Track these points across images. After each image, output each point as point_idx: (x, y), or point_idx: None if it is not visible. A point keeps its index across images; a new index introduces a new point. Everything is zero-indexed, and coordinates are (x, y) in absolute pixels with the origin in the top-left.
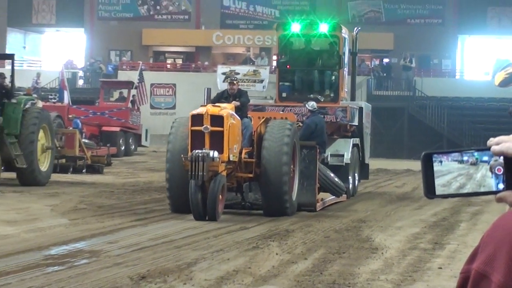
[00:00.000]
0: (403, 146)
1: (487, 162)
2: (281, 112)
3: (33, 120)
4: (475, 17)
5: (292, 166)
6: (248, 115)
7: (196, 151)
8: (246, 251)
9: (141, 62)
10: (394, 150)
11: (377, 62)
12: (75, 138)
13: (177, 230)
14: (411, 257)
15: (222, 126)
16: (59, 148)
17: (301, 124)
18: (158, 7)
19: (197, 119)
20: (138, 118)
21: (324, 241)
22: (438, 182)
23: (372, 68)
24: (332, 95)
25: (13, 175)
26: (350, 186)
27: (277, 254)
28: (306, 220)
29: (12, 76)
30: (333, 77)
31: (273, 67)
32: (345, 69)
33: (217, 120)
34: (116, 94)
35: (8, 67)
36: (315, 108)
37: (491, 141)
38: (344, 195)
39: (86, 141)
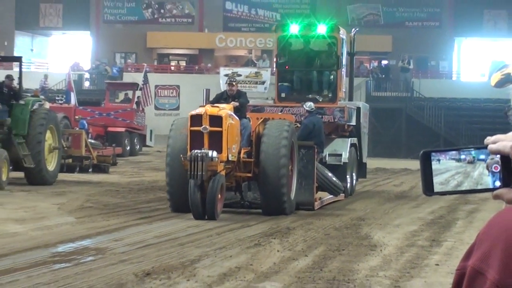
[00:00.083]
0: (401, 146)
1: (484, 160)
2: (280, 113)
3: (41, 121)
4: (472, 20)
5: (290, 166)
6: (247, 116)
7: (195, 151)
8: (248, 248)
9: (145, 64)
10: (392, 150)
11: (375, 64)
12: (81, 138)
13: (181, 228)
14: (409, 254)
15: (221, 126)
16: (66, 148)
17: (299, 125)
18: (162, 11)
19: (196, 119)
20: (142, 119)
21: (324, 238)
22: (436, 180)
23: (371, 70)
24: (330, 95)
25: (21, 174)
26: (348, 185)
27: (278, 251)
28: (306, 218)
29: (20, 78)
30: (331, 78)
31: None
32: (343, 69)
33: (216, 120)
34: (121, 96)
35: (16, 69)
36: (312, 109)
37: (488, 139)
38: (342, 194)
39: (92, 141)
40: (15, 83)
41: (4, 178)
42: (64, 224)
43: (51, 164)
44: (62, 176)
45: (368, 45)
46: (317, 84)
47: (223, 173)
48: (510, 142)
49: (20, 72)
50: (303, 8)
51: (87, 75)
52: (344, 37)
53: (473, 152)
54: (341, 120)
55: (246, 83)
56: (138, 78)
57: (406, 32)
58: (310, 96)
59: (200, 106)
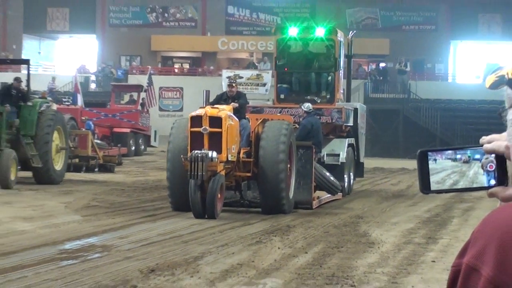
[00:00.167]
0: (398, 146)
1: (479, 160)
2: (278, 114)
3: (48, 122)
4: (467, 24)
5: (289, 165)
6: (246, 116)
7: (195, 151)
8: (250, 245)
9: (150, 67)
10: (390, 150)
11: (373, 66)
12: (87, 139)
13: (184, 226)
14: (406, 251)
15: (221, 127)
16: (72, 149)
17: (297, 126)
18: (166, 15)
19: (196, 120)
20: (147, 120)
21: (324, 236)
22: (433, 179)
23: (369, 72)
24: (328, 96)
25: (29, 174)
26: (346, 184)
27: (279, 248)
28: (306, 216)
29: (28, 80)
30: (329, 79)
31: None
32: (340, 71)
33: (216, 121)
34: (126, 97)
35: (24, 71)
36: (310, 109)
37: (484, 139)
38: (340, 193)
39: (98, 141)
40: (23, 85)
41: (12, 177)
42: (71, 222)
43: (58, 164)
44: (69, 175)
45: (366, 48)
46: (315, 86)
47: (222, 173)
48: (505, 142)
49: (28, 74)
50: (303, 12)
51: (93, 78)
52: (342, 39)
53: (468, 152)
54: (339, 120)
55: (248, 85)
56: (142, 80)
57: (403, 36)
58: (308, 97)
59: (200, 108)
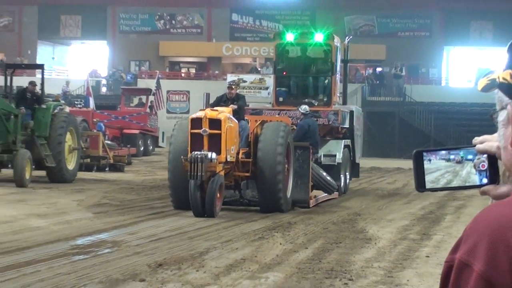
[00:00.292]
0: (394, 146)
1: (472, 160)
2: (277, 116)
3: (61, 123)
4: (459, 30)
5: (286, 165)
6: (246, 118)
7: (195, 152)
8: (253, 241)
9: (158, 71)
10: (386, 150)
11: (370, 71)
12: (99, 139)
13: (190, 222)
14: (401, 246)
15: (220, 129)
16: (84, 149)
17: (295, 127)
18: (173, 22)
19: (196, 122)
20: (155, 122)
21: (323, 232)
22: (427, 178)
23: (366, 77)
24: (325, 99)
25: (43, 173)
26: (342, 184)
27: (280, 244)
28: (306, 214)
29: (42, 84)
30: (326, 83)
31: None
32: (337, 75)
33: (215, 123)
34: (135, 100)
35: (38, 76)
36: (307, 111)
37: (476, 140)
38: (336, 193)
39: (109, 142)
40: (38, 88)
41: (27, 176)
42: (83, 219)
43: (71, 164)
44: (81, 174)
45: (363, 54)
46: (313, 89)
47: (222, 173)
48: (496, 142)
49: (42, 78)
50: (303, 19)
51: (104, 81)
52: (339, 45)
53: (461, 152)
54: (335, 122)
55: (251, 89)
56: (151, 84)
57: (399, 42)
58: (306, 100)
59: (200, 110)
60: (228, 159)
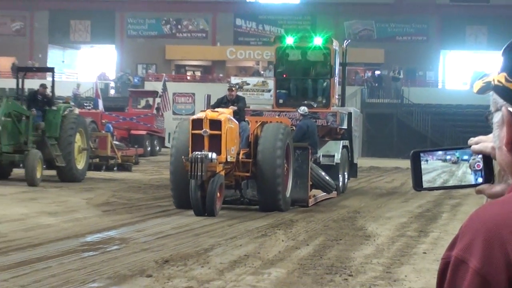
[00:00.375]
0: (392, 147)
1: (467, 160)
2: (277, 117)
3: (71, 124)
4: (455, 35)
5: (286, 166)
6: (246, 119)
7: (196, 153)
8: (256, 238)
9: (164, 74)
10: (384, 151)
11: (369, 74)
12: (107, 140)
13: (196, 220)
14: (399, 243)
15: (220, 130)
16: (93, 149)
17: (294, 128)
18: (179, 26)
19: (197, 123)
20: (162, 123)
21: (324, 229)
22: (424, 178)
23: (365, 79)
24: (324, 101)
25: (53, 172)
26: (340, 183)
27: (283, 241)
28: (308, 212)
29: (53, 86)
30: (325, 85)
31: None
32: (335, 78)
33: (216, 124)
34: (143, 102)
35: (49, 78)
36: (306, 113)
37: (471, 140)
38: (335, 192)
39: (117, 143)
40: (48, 91)
41: (38, 175)
42: (92, 216)
43: (80, 163)
44: (90, 174)
45: (362, 57)
46: (312, 91)
47: (222, 173)
48: (491, 143)
49: (53, 81)
50: (305, 24)
51: (112, 84)
52: (337, 48)
53: (457, 153)
54: (334, 123)
55: (254, 91)
56: (157, 86)
57: (397, 46)
58: (305, 102)
59: (201, 111)
60: (228, 159)
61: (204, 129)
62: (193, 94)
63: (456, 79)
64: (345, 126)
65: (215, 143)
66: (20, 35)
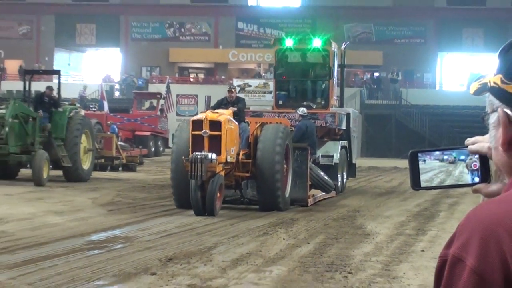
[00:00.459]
0: (391, 147)
1: (464, 160)
2: (276, 118)
3: (77, 126)
4: (452, 37)
5: (285, 166)
6: (246, 120)
7: (196, 153)
8: (258, 236)
9: (168, 76)
10: (383, 151)
11: (368, 75)
12: (112, 141)
13: (199, 219)
14: (398, 241)
15: (220, 131)
16: (98, 150)
17: (294, 129)
18: (182, 30)
19: (197, 124)
20: (165, 124)
21: (324, 228)
22: (422, 177)
23: (364, 81)
24: (323, 102)
25: (59, 172)
26: (339, 183)
27: (284, 239)
28: (308, 211)
29: (59, 88)
30: (324, 87)
31: None
32: (334, 79)
33: (215, 125)
34: (147, 104)
35: (55, 81)
36: (305, 113)
37: (468, 140)
38: (333, 192)
39: (122, 143)
40: (55, 93)
41: (45, 176)
42: (97, 215)
43: (86, 164)
44: (95, 174)
45: (362, 59)
46: (311, 93)
47: (222, 173)
48: (487, 143)
49: (59, 83)
50: (305, 27)
51: (117, 86)
52: (336, 50)
53: (454, 153)
54: (332, 124)
55: (256, 93)
56: (161, 88)
57: (395, 48)
58: (305, 103)
59: (201, 112)
60: (228, 160)
61: (204, 130)
62: (196, 95)
63: (453, 80)
64: (343, 127)
65: (215, 144)
66: (27, 38)
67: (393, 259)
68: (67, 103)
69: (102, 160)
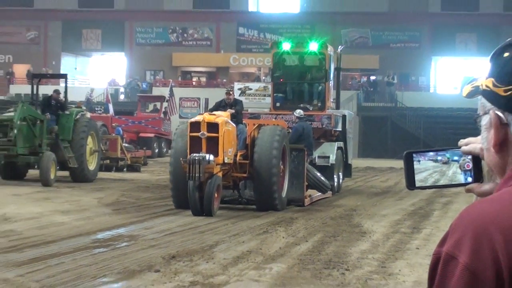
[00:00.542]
0: (387, 148)
1: (457, 161)
2: (273, 119)
3: (83, 128)
4: (446, 42)
5: (282, 167)
6: (244, 122)
7: (193, 154)
8: (258, 235)
9: (171, 80)
10: (379, 152)
11: (365, 79)
12: (117, 142)
13: (201, 218)
14: (393, 239)
15: (217, 132)
16: (104, 151)
17: (291, 130)
18: (185, 35)
19: (195, 126)
20: (169, 126)
21: (322, 226)
22: (417, 177)
23: (361, 84)
24: (319, 104)
25: (66, 173)
26: (335, 184)
27: (283, 237)
28: (306, 210)
29: (66, 92)
30: (320, 89)
31: None
32: (330, 82)
33: (213, 127)
34: (151, 106)
35: (62, 84)
36: (302, 115)
37: (461, 142)
38: (330, 192)
39: (126, 145)
40: (62, 96)
41: (52, 176)
42: (103, 215)
43: (92, 165)
44: (101, 174)
45: (358, 63)
46: (308, 95)
47: (219, 174)
48: (480, 144)
49: (66, 87)
50: (304, 32)
51: (122, 89)
52: (332, 53)
53: (448, 154)
54: (328, 126)
55: (256, 96)
56: (165, 91)
57: (391, 52)
58: (301, 105)
59: (199, 114)
60: (226, 161)
61: (201, 132)
62: (198, 98)
63: (447, 84)
64: (339, 128)
65: (213, 145)
66: (35, 43)
67: (389, 257)
68: (73, 106)
69: (108, 161)
